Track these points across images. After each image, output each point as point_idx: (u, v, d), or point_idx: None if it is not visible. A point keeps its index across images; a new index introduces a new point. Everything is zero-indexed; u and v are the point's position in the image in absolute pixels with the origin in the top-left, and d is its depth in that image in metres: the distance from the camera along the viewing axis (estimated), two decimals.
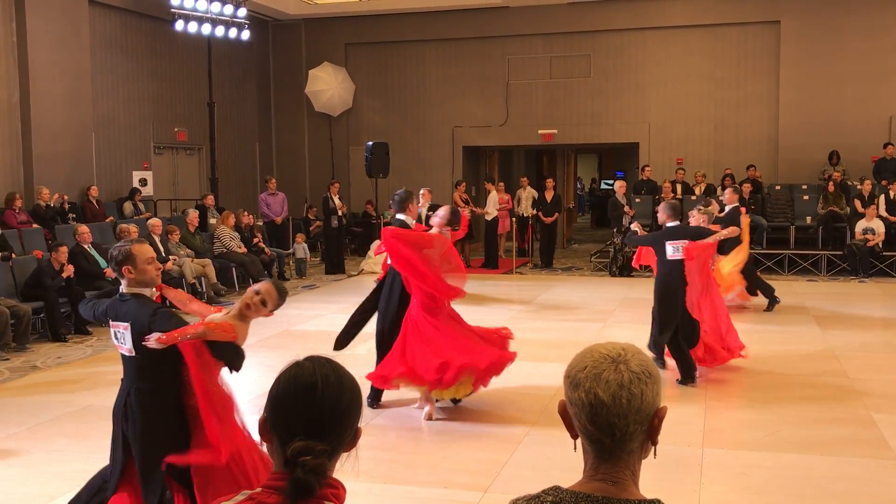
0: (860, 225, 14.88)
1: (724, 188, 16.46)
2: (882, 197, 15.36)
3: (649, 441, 1.61)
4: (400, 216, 7.33)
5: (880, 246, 14.74)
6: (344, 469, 1.77)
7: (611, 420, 1.55)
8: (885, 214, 15.11)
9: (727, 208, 11.21)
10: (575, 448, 1.65)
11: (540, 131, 19.49)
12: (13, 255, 10.88)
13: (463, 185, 17.35)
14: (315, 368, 1.71)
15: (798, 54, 17.66)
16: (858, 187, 15.73)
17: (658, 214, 8.20)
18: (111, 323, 4.12)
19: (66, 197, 13.81)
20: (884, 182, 15.85)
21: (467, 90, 19.79)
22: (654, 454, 1.64)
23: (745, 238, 11.33)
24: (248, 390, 7.91)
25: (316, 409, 1.67)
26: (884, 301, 12.57)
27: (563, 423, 1.65)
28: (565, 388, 1.62)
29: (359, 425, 1.75)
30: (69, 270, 10.50)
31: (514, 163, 24.38)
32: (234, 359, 4.09)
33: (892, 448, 6.00)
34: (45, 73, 14.04)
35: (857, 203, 15.33)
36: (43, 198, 13.17)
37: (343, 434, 1.70)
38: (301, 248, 15.19)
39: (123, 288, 4.13)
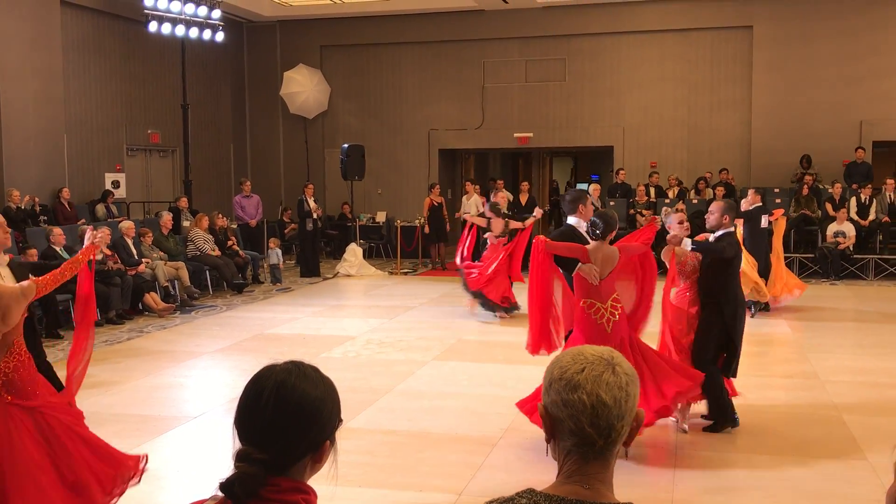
0: (831, 228, 15.04)
1: (697, 191, 16.68)
2: (853, 200, 15.54)
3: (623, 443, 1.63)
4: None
5: (851, 249, 14.91)
6: (319, 473, 1.76)
7: (611, 422, 1.56)
8: (855, 218, 15.30)
9: (751, 209, 11.33)
10: (548, 451, 1.66)
11: (515, 134, 19.55)
12: None
13: (437, 188, 17.35)
14: (274, 374, 1.68)
15: (770, 59, 17.84)
16: (830, 191, 15.91)
17: (714, 216, 6.41)
18: None
19: (37, 199, 13.66)
20: (854, 186, 16.04)
21: (443, 93, 19.80)
22: (626, 455, 1.66)
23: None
24: (223, 393, 7.87)
25: (259, 416, 1.64)
26: (854, 303, 12.73)
27: (539, 426, 1.65)
28: (555, 391, 1.60)
29: (328, 439, 1.70)
30: None
31: (490, 166, 24.43)
32: None
33: (862, 449, 6.07)
34: (16, 75, 13.88)
35: (829, 206, 15.51)
36: (14, 200, 13.01)
37: (294, 444, 1.65)
38: (275, 254, 14.99)
39: None
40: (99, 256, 9.58)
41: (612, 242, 6.10)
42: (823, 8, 17.51)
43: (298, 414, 1.65)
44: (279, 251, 15.10)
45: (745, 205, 11.52)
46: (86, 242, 5.01)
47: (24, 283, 4.37)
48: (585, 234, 6.17)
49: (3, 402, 4.23)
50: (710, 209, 6.54)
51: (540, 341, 6.12)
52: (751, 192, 11.79)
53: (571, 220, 6.40)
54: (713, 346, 6.28)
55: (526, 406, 6.03)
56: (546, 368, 1.66)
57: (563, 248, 6.01)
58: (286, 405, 1.64)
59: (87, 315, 5.11)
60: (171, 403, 7.65)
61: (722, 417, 6.37)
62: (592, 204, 7.01)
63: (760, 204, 11.66)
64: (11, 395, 4.25)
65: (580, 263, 5.91)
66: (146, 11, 15.23)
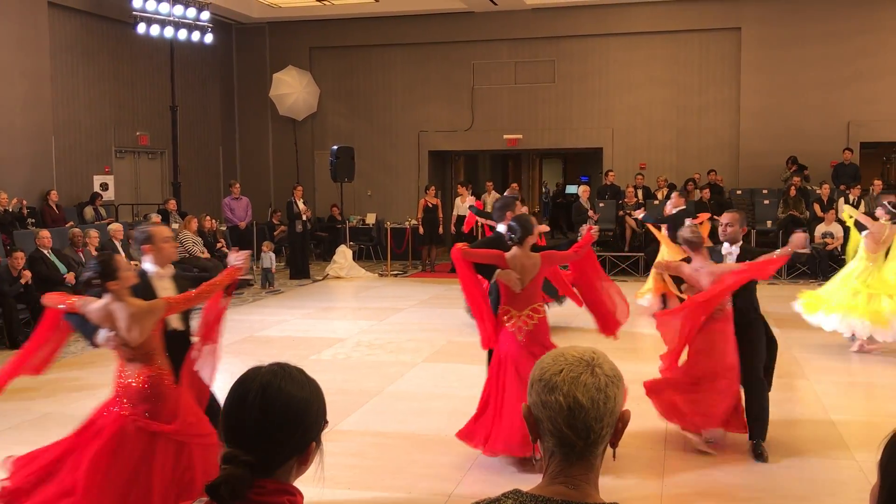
0: (819, 229, 15.11)
1: (686, 193, 16.71)
2: (841, 201, 15.61)
3: (609, 443, 1.63)
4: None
5: (839, 249, 14.96)
6: (306, 475, 1.76)
7: (588, 423, 1.56)
8: (843, 218, 15.35)
9: (675, 212, 11.23)
10: (533, 452, 1.66)
11: (505, 136, 19.56)
12: None
13: (432, 190, 17.35)
14: (259, 376, 1.68)
15: (758, 61, 17.91)
16: (818, 192, 15.98)
17: (733, 228, 6.21)
18: None
19: (24, 201, 13.59)
20: (842, 187, 16.12)
21: (433, 95, 19.81)
22: (614, 456, 1.66)
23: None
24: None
25: (244, 418, 1.64)
26: None
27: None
28: (535, 392, 1.61)
29: (314, 440, 1.69)
30: (26, 276, 10.33)
31: (480, 167, 24.45)
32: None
33: (850, 448, 6.09)
34: (4, 77, 13.81)
35: (817, 207, 15.58)
36: (1, 202, 12.94)
37: (279, 446, 1.64)
38: (268, 258, 14.85)
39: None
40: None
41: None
42: (811, 10, 17.59)
43: (284, 415, 1.64)
44: (272, 255, 15.00)
45: (668, 208, 11.49)
46: (230, 264, 5.03)
47: (156, 300, 4.53)
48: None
49: (140, 416, 4.38)
50: (724, 220, 6.26)
51: (493, 335, 5.96)
52: (675, 194, 11.71)
53: (501, 227, 6.28)
54: (762, 360, 6.14)
55: (462, 433, 5.93)
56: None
57: (480, 256, 5.91)
58: (272, 407, 1.64)
59: (209, 336, 4.96)
60: None
61: (762, 434, 6.02)
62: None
63: (684, 207, 11.59)
64: (148, 407, 4.41)
65: (498, 270, 5.79)
66: (134, 13, 15.18)
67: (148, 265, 4.92)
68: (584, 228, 6.74)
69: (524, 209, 11.76)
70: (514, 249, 5.82)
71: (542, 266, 5.88)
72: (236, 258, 5.00)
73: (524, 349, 5.74)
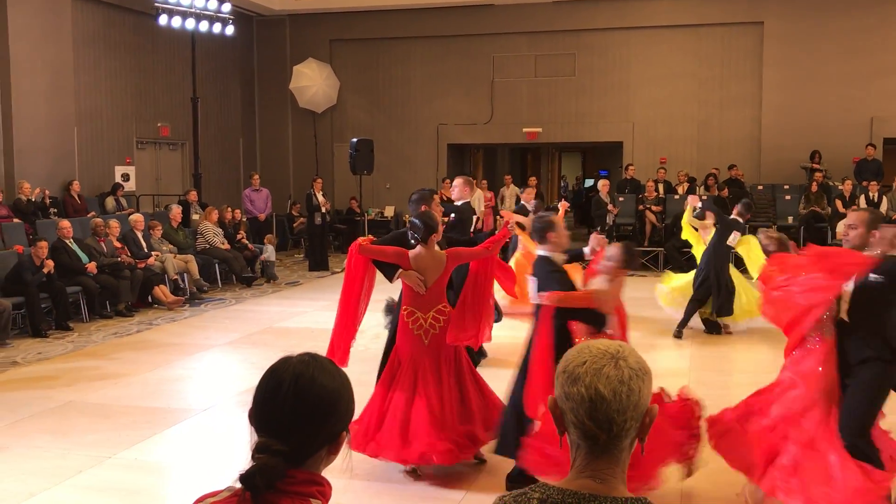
0: (841, 225, 14.98)
1: (707, 188, 16.63)
2: (862, 197, 15.48)
3: (637, 439, 1.63)
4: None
5: None
6: (334, 466, 1.77)
7: (610, 415, 1.56)
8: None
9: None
10: (560, 444, 1.66)
11: (524, 130, 19.52)
12: None
13: (447, 182, 17.32)
14: (291, 366, 1.69)
15: (781, 55, 17.77)
16: (840, 188, 15.85)
17: (857, 231, 4.70)
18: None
19: (47, 192, 13.70)
20: (864, 182, 15.97)
21: (452, 88, 19.79)
22: (642, 451, 1.66)
23: None
24: (231, 386, 7.90)
25: (278, 408, 1.65)
26: None
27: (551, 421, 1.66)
28: (559, 384, 1.62)
29: (344, 430, 1.70)
30: (49, 266, 10.43)
31: (499, 161, 24.41)
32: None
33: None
34: (28, 68, 13.92)
35: (839, 203, 15.45)
36: (24, 192, 13.06)
37: (312, 436, 1.65)
38: (270, 250, 14.83)
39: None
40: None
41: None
42: (834, 4, 17.42)
43: (317, 405, 1.66)
44: (272, 247, 14.98)
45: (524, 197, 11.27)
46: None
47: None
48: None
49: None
50: (849, 221, 4.86)
51: (334, 350, 5.53)
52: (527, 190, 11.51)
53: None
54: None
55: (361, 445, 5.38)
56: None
57: (379, 252, 5.45)
58: (305, 397, 1.65)
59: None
60: (180, 396, 7.68)
61: None
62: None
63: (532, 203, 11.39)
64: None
65: (400, 269, 5.42)
66: (157, 5, 15.25)
67: (543, 251, 5.20)
68: (500, 222, 6.52)
69: (531, 200, 11.63)
70: (418, 248, 5.43)
71: (448, 265, 5.49)
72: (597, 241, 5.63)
73: (428, 353, 5.41)
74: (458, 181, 8.53)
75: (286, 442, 1.62)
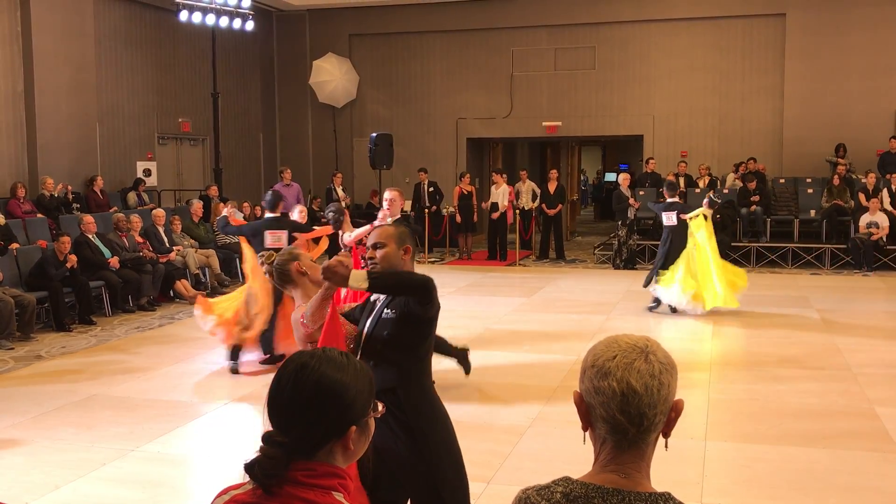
0: (864, 219, 14.85)
1: (724, 182, 16.50)
2: (885, 191, 15.33)
3: (662, 433, 1.63)
4: None
5: (884, 240, 14.71)
6: None
7: (642, 409, 1.56)
8: (889, 208, 15.07)
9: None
10: (585, 440, 1.66)
11: (544, 123, 19.47)
12: (15, 245, 10.90)
13: (467, 177, 17.33)
14: (298, 358, 1.70)
15: (803, 47, 17.60)
16: (863, 181, 15.70)
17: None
18: None
19: (70, 187, 13.82)
20: (888, 176, 15.81)
21: (471, 82, 19.76)
22: (666, 446, 1.66)
23: None
24: (253, 380, 7.95)
25: (279, 398, 1.67)
26: (887, 295, 12.56)
27: (573, 414, 1.66)
28: (588, 378, 1.62)
29: (354, 424, 1.68)
30: (72, 261, 10.53)
31: (518, 155, 24.36)
32: None
33: (894, 441, 6.00)
34: (50, 63, 14.04)
35: (862, 197, 15.30)
36: (47, 187, 13.18)
37: (311, 427, 1.64)
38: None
39: None
40: None
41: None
42: None
43: (315, 394, 1.65)
44: None
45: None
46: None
47: None
48: None
49: None
50: None
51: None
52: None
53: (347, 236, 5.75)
54: None
55: None
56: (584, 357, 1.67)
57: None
58: (303, 386, 1.65)
59: None
60: (202, 390, 7.73)
61: None
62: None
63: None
64: None
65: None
66: (177, 1, 15.34)
67: None
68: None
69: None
70: None
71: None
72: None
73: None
74: (392, 194, 8.21)
75: (288, 433, 1.63)
